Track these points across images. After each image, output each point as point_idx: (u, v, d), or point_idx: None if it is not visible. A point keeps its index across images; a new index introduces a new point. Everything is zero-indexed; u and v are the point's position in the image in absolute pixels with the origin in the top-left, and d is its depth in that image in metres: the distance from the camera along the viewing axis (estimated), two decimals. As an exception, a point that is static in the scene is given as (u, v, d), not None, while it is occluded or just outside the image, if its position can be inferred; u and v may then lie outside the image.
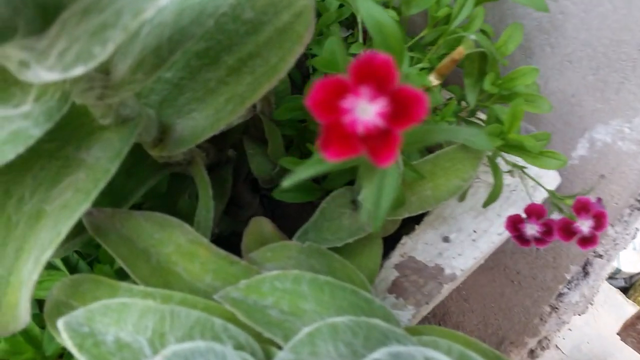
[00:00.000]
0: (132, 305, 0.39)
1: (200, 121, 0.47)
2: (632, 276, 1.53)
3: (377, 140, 0.31)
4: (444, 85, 0.79)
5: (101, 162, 0.42)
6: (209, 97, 0.48)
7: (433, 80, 0.66)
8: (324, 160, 0.35)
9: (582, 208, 0.61)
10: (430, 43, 0.75)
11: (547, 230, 0.63)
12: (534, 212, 0.63)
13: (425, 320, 0.86)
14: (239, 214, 0.68)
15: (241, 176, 0.68)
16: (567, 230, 0.62)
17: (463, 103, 0.76)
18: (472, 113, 0.77)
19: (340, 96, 0.31)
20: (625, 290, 1.50)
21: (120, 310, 0.39)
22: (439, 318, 1.20)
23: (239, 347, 0.39)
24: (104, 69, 0.43)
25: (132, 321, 0.39)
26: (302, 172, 0.35)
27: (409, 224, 0.75)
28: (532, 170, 0.72)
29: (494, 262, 0.96)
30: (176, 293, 0.43)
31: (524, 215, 0.63)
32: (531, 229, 0.63)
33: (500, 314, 1.11)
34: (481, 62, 0.72)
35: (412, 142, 0.34)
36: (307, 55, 0.79)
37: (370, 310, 0.46)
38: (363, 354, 0.40)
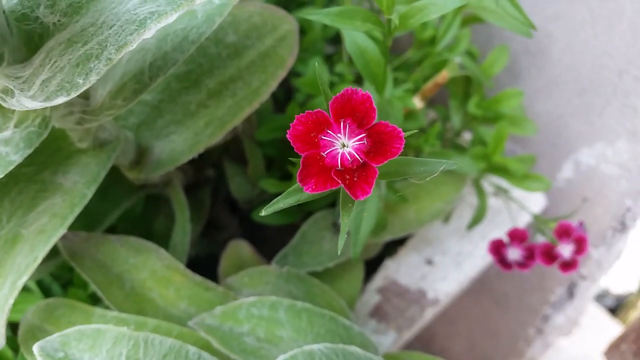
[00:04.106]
0: (107, 332, 0.41)
1: (179, 144, 0.49)
2: (621, 296, 1.57)
3: (355, 174, 0.33)
4: (430, 104, 0.82)
5: (78, 187, 0.44)
6: (189, 120, 0.50)
7: (417, 103, 0.68)
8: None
9: (564, 232, 0.64)
10: (416, 63, 0.78)
11: (529, 255, 0.66)
12: (517, 236, 0.66)
13: (410, 343, 0.88)
14: (216, 236, 0.70)
15: (220, 197, 0.70)
16: (549, 255, 0.64)
17: (448, 124, 0.78)
18: (457, 134, 0.80)
19: (321, 130, 0.34)
20: (614, 311, 1.54)
21: (94, 336, 0.41)
22: (424, 341, 1.22)
23: (215, 375, 0.41)
24: (84, 94, 0.45)
25: (106, 347, 0.40)
26: (282, 202, 0.37)
27: (392, 246, 0.78)
28: (519, 192, 0.74)
29: (480, 284, 0.98)
30: (150, 319, 0.44)
31: (506, 239, 0.66)
32: (513, 253, 0.66)
33: (486, 337, 1.14)
34: (466, 85, 0.74)
35: (390, 174, 0.37)
36: (291, 72, 0.81)
37: (348, 337, 0.48)
38: (340, 382, 0.42)
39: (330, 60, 0.82)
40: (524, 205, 0.71)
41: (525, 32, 0.66)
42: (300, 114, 0.33)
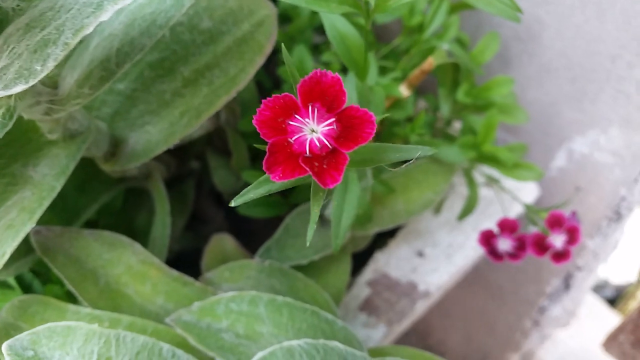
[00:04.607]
0: (77, 329, 0.39)
1: (154, 135, 0.47)
2: (620, 287, 1.55)
3: (324, 161, 0.31)
4: (421, 93, 0.80)
5: (47, 179, 0.42)
6: (164, 110, 0.48)
7: (403, 91, 0.66)
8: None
9: (556, 222, 0.62)
10: (405, 51, 0.76)
11: (520, 245, 0.64)
12: (507, 226, 0.64)
13: (406, 337, 0.86)
14: (202, 230, 0.68)
15: (205, 189, 0.68)
16: (540, 245, 0.63)
17: (439, 113, 0.76)
18: (448, 123, 0.78)
19: (288, 116, 0.32)
20: (613, 302, 1.52)
21: (65, 334, 0.39)
22: (421, 335, 1.21)
23: (188, 373, 0.39)
24: (52, 84, 0.43)
25: (77, 345, 0.39)
26: (253, 192, 0.35)
27: (382, 239, 0.76)
28: (512, 183, 0.72)
29: (475, 277, 0.97)
30: (124, 316, 0.43)
31: (496, 230, 0.64)
32: (504, 244, 0.64)
33: (482, 330, 1.12)
34: (455, 72, 0.72)
35: (363, 162, 0.35)
36: (278, 62, 0.79)
37: (331, 332, 0.46)
38: (320, 378, 0.41)
39: (318, 50, 0.80)
40: (516, 196, 0.69)
41: (513, 17, 0.63)
42: (267, 98, 0.32)
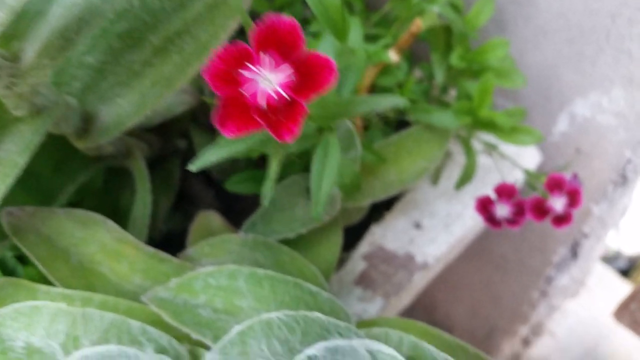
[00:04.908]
0: (44, 309, 0.37)
1: (125, 107, 0.45)
2: (633, 258, 1.51)
3: (281, 113, 0.28)
4: (417, 62, 0.77)
5: (11, 156, 0.40)
6: (134, 81, 0.45)
7: (392, 56, 0.63)
8: (236, 140, 0.32)
9: (555, 185, 0.59)
10: (396, 18, 0.72)
11: (519, 210, 0.60)
12: (505, 191, 0.61)
13: (412, 312, 0.83)
14: (191, 210, 0.65)
15: (192, 168, 0.65)
16: (540, 209, 0.59)
17: (434, 81, 0.73)
18: (444, 90, 0.75)
19: (241, 65, 0.29)
20: (626, 273, 1.48)
21: (30, 314, 0.37)
22: (427, 309, 1.18)
23: (160, 350, 0.36)
24: (13, 58, 0.40)
25: (43, 325, 0.36)
26: (214, 154, 0.32)
27: (379, 211, 0.73)
28: (512, 149, 0.69)
29: (478, 249, 0.93)
30: (96, 295, 0.40)
31: (494, 196, 0.61)
32: (502, 210, 0.61)
33: (488, 302, 1.09)
34: (447, 36, 0.69)
35: (331, 116, 0.32)
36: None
37: (315, 304, 0.43)
38: (300, 350, 0.38)
39: (307, 22, 0.77)
40: (515, 162, 0.66)
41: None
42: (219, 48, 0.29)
